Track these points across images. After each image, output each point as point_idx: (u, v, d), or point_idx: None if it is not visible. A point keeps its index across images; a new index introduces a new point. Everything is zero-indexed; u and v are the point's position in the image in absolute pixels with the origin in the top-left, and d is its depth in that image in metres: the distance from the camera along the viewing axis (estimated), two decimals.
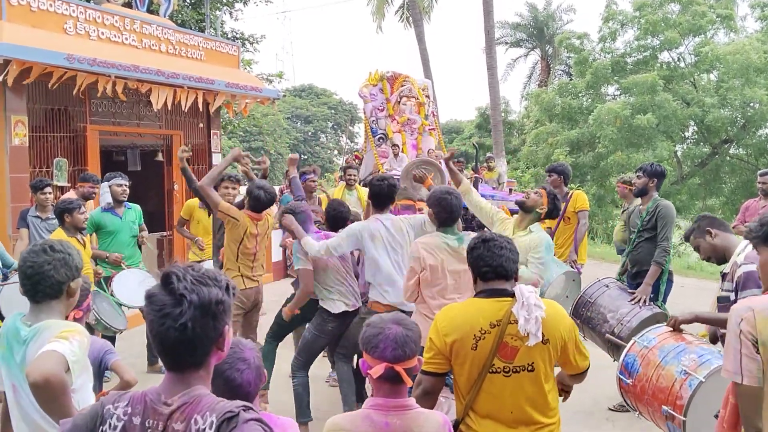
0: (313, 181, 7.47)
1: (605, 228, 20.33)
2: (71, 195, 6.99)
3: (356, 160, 14.90)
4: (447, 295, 4.14)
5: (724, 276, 3.75)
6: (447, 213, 4.20)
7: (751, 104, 18.14)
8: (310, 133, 55.00)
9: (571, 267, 6.20)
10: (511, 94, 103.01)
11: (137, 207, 6.85)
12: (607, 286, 5.39)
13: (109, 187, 6.53)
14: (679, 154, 21.15)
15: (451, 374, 2.67)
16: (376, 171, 13.26)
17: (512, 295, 2.60)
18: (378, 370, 2.15)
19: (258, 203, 5.30)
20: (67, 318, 2.57)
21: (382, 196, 4.73)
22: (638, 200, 5.93)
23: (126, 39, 9.07)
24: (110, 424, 1.61)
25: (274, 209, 5.98)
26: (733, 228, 7.49)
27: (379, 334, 2.22)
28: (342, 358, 5.05)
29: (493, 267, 2.67)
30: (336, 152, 54.60)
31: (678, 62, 21.18)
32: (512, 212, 6.16)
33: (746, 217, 7.20)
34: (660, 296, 5.48)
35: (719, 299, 3.78)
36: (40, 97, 8.24)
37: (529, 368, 2.55)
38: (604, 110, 19.13)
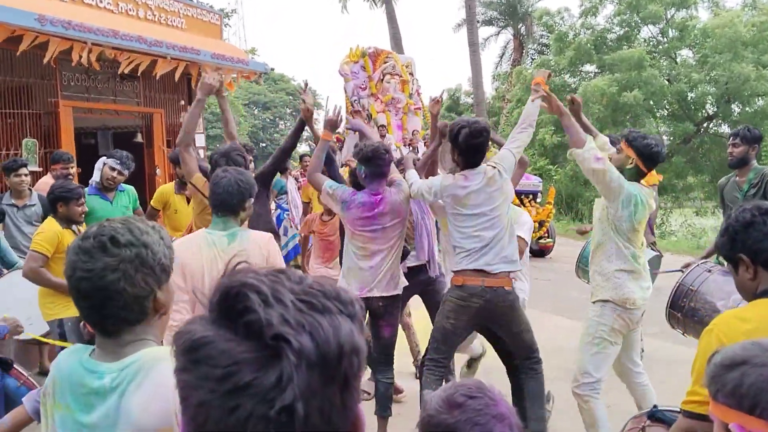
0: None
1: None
2: (48, 180, 5.91)
3: (337, 143, 14.01)
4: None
5: None
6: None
7: (737, 79, 17.70)
8: (268, 120, 53.50)
9: (651, 249, 5.41)
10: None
11: (132, 189, 5.77)
12: (710, 271, 4.58)
13: (104, 164, 5.41)
14: (661, 131, 20.73)
15: None
16: None
17: None
18: None
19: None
20: None
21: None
22: (731, 172, 5.15)
23: (100, 2, 7.91)
24: None
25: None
26: None
27: None
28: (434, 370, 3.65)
29: None
30: None
31: (661, 37, 20.70)
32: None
33: None
34: None
35: None
36: (4, 69, 7.08)
37: None
38: (589, 88, 18.52)
